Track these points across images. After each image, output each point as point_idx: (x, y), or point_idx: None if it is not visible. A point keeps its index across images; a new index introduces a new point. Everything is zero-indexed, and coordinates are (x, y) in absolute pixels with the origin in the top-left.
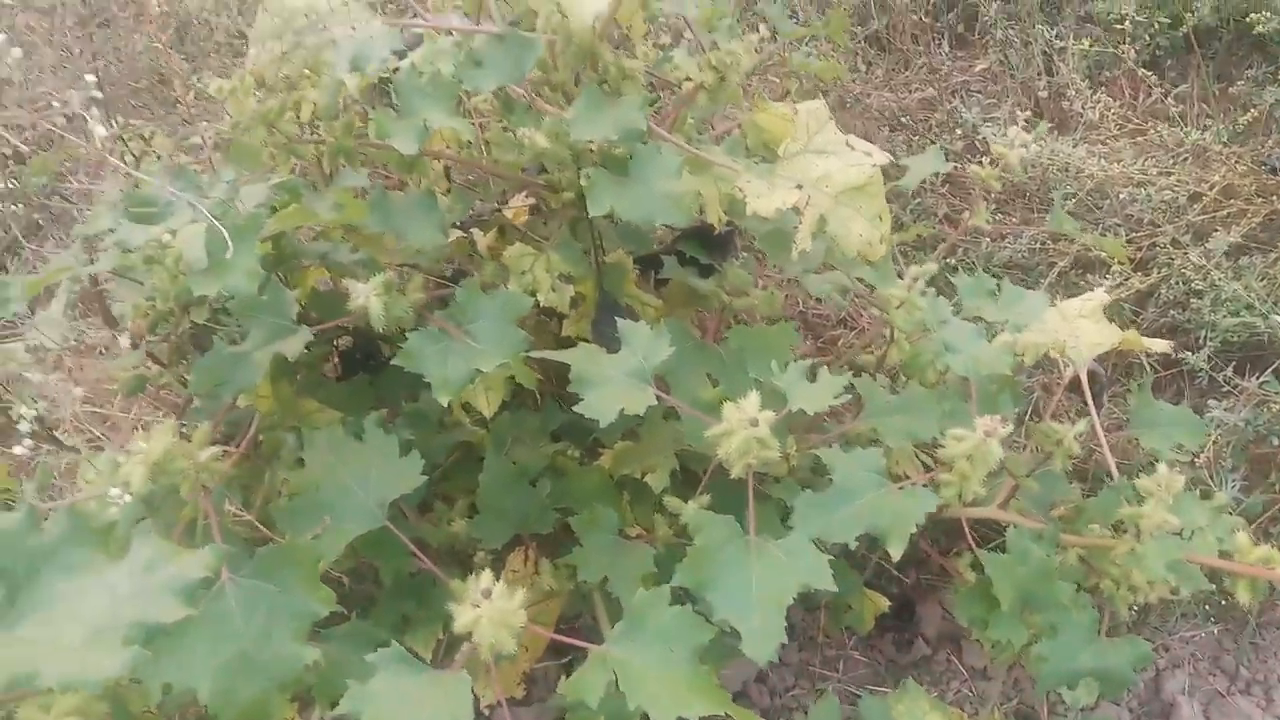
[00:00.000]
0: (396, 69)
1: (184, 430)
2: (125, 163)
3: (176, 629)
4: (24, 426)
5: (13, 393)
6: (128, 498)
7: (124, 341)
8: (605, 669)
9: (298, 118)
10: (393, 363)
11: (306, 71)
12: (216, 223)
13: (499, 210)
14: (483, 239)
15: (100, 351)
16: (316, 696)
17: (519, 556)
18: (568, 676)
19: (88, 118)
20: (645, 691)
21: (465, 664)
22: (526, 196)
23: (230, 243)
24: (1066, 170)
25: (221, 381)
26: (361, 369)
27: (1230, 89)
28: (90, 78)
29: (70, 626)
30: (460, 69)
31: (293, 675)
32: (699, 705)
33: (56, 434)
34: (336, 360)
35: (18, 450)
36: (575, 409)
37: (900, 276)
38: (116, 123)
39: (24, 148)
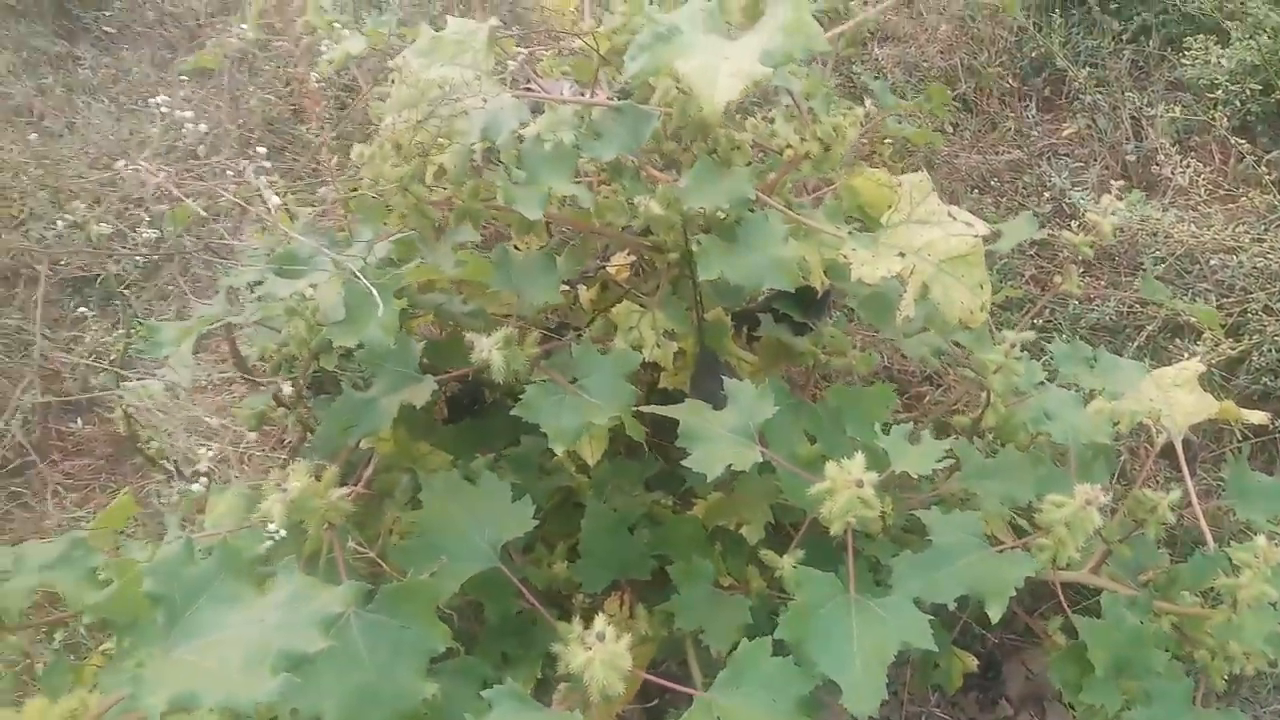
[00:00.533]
0: (520, 137)
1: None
2: (268, 221)
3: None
4: (202, 465)
5: (144, 426)
6: (281, 534)
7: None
8: (710, 714)
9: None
10: (501, 410)
11: (440, 139)
12: (364, 280)
13: (602, 267)
14: (586, 294)
15: (210, 390)
16: None
17: (615, 601)
18: None
19: (261, 186)
20: None
21: (563, 703)
22: (628, 254)
23: (378, 299)
24: (1156, 235)
25: (351, 425)
26: (467, 414)
27: None
28: (261, 149)
29: (225, 653)
30: (581, 139)
31: (412, 707)
32: None
33: (181, 468)
34: (443, 405)
35: (195, 487)
36: (684, 463)
37: (992, 338)
38: (268, 181)
39: (181, 199)
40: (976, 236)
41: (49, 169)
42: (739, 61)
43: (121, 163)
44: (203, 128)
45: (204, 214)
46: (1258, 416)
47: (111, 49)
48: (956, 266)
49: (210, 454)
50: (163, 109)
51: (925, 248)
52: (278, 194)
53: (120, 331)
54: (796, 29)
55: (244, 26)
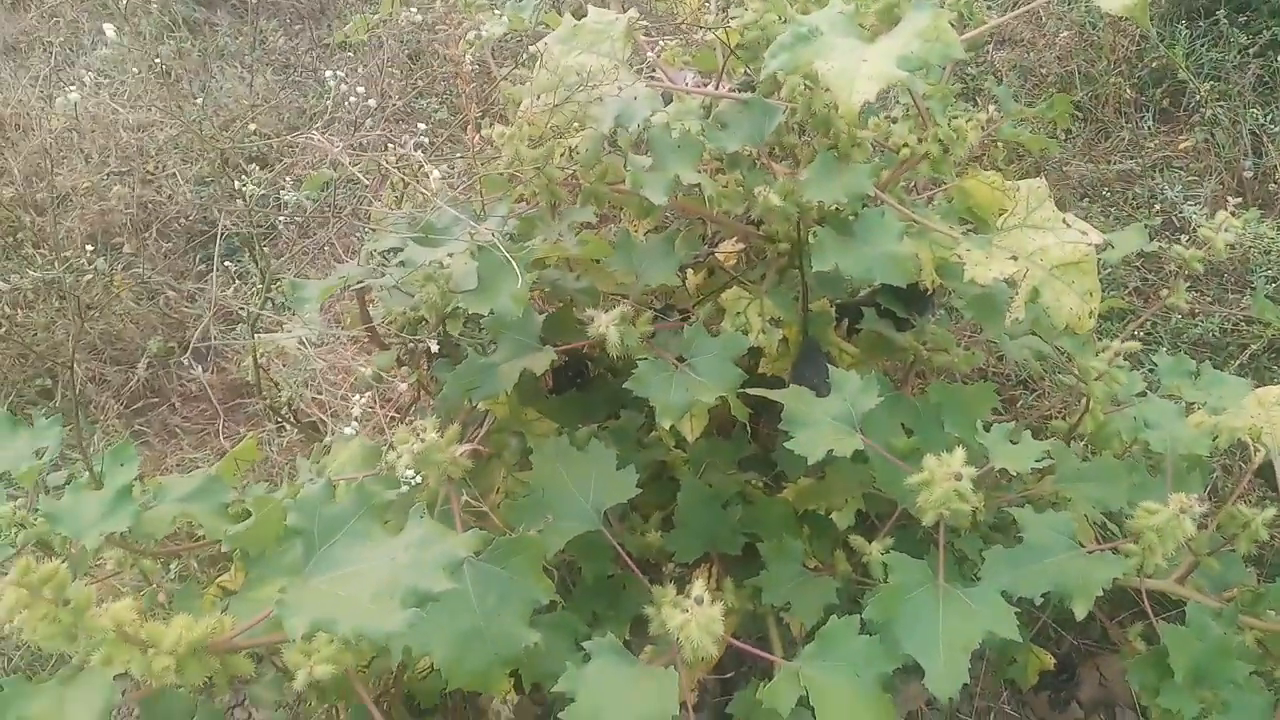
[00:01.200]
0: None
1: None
2: (424, 193)
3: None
4: (355, 411)
5: (273, 379)
6: (416, 479)
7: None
8: (796, 684)
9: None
10: (604, 384)
11: (574, 123)
12: (505, 253)
13: (711, 253)
14: (693, 278)
15: (328, 345)
16: (523, 675)
17: (703, 573)
18: (724, 693)
19: (421, 160)
20: (832, 709)
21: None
22: (736, 242)
23: (518, 270)
24: (1269, 254)
25: (473, 387)
26: (571, 386)
27: None
28: (421, 125)
29: (358, 585)
30: (708, 129)
31: (515, 652)
32: None
33: (298, 417)
34: (549, 376)
35: (347, 430)
36: (786, 445)
37: (1094, 347)
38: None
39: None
40: (1090, 245)
41: (184, 128)
42: (876, 65)
43: (300, 134)
44: (371, 102)
45: (364, 180)
46: None
47: (247, 17)
48: (1068, 273)
49: (362, 401)
50: (331, 82)
51: (1038, 253)
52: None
53: (259, 286)
54: (934, 36)
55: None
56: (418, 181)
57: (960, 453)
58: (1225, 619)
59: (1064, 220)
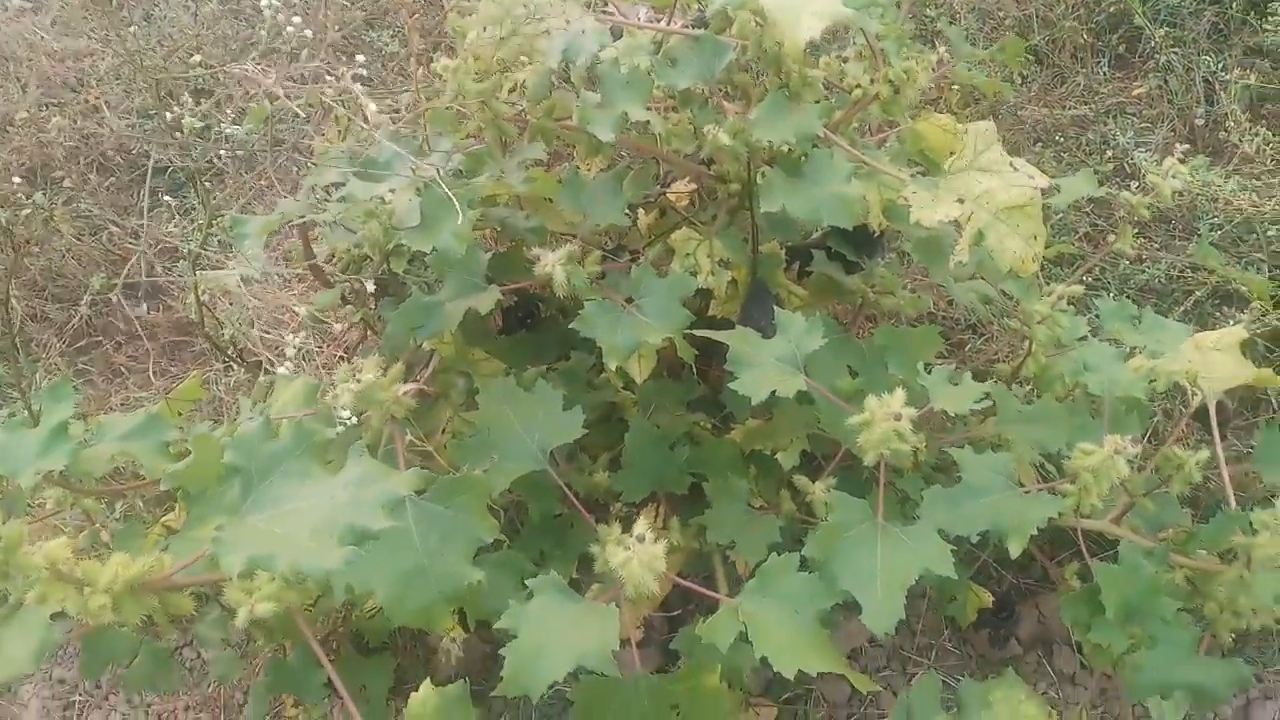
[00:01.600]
0: (598, 60)
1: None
2: (364, 127)
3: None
4: (289, 351)
5: (216, 316)
6: (352, 420)
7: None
8: (736, 620)
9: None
10: (554, 324)
11: (521, 58)
12: (444, 188)
13: (663, 193)
14: (644, 218)
15: (269, 285)
16: (468, 612)
17: (650, 512)
18: (671, 630)
19: (358, 92)
20: (771, 644)
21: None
22: (688, 182)
23: (458, 207)
24: (1215, 201)
25: (418, 326)
26: (520, 326)
27: None
28: (360, 57)
29: (297, 523)
30: (657, 66)
31: (458, 590)
32: (818, 662)
33: (244, 355)
34: (498, 316)
35: (281, 371)
36: (730, 386)
37: (1040, 291)
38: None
39: (283, 100)
40: (1036, 189)
41: (126, 59)
42: (823, 1)
43: (234, 64)
44: (308, 33)
45: (302, 115)
46: None
47: None
48: (1013, 216)
49: (297, 341)
50: (266, 11)
51: (984, 196)
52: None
53: (199, 222)
54: None
55: None
56: (356, 116)
57: (900, 394)
58: (1156, 558)
59: (1011, 164)
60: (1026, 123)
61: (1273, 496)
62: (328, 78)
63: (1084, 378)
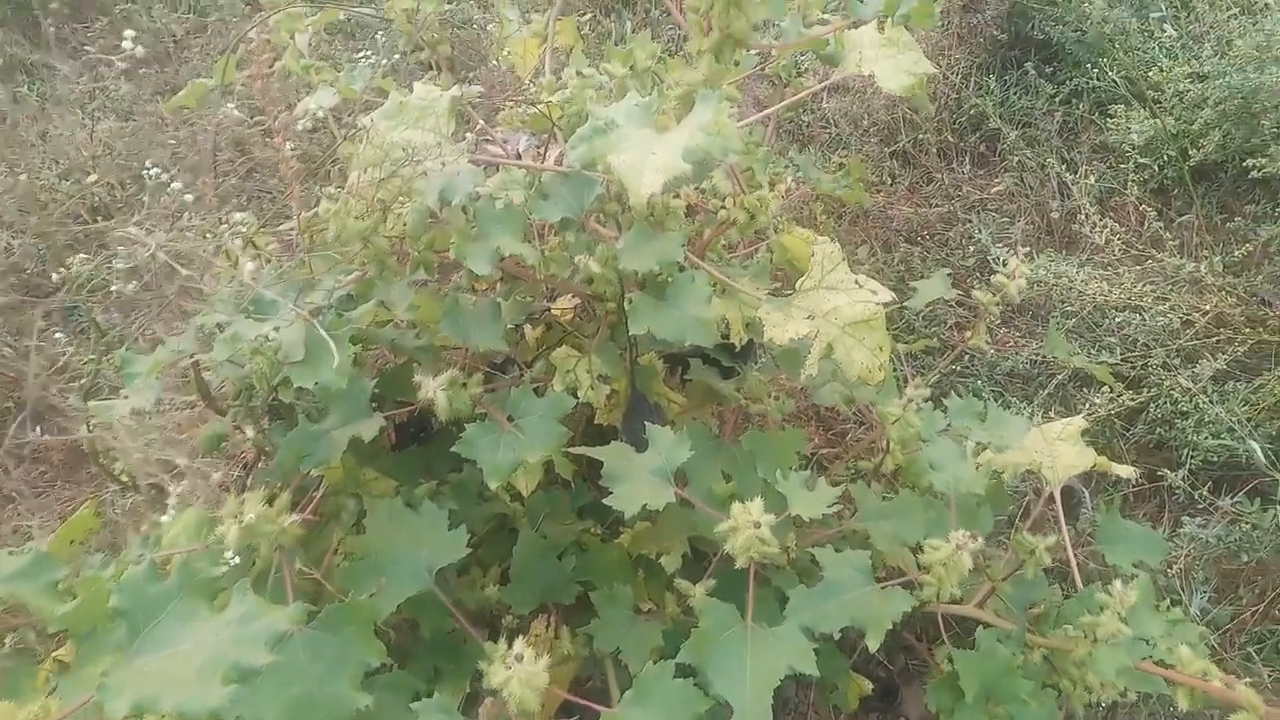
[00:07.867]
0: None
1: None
2: (242, 277)
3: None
4: (171, 500)
5: (107, 450)
6: (236, 560)
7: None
8: None
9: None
10: (447, 437)
11: (400, 197)
12: (321, 329)
13: (548, 309)
14: (531, 332)
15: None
16: None
17: (542, 623)
18: None
19: (238, 252)
20: None
21: (489, 716)
22: (572, 297)
23: (332, 347)
24: (1070, 291)
25: (304, 454)
26: (414, 440)
27: (1229, 222)
28: (239, 215)
29: (182, 664)
30: (530, 200)
31: (346, 716)
32: None
33: (138, 481)
34: (392, 431)
35: (164, 519)
36: (606, 501)
37: (906, 384)
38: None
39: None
40: (878, 304)
41: (21, 179)
42: (663, 158)
43: (118, 227)
44: (189, 197)
45: (184, 271)
46: (1125, 471)
47: (90, 64)
48: (859, 330)
49: (179, 490)
50: (152, 173)
51: (832, 312)
52: (247, 236)
53: (91, 357)
54: (715, 130)
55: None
56: (235, 268)
57: (759, 501)
58: (1013, 640)
59: (856, 280)
60: (895, 222)
61: (1116, 575)
62: (207, 235)
63: (930, 476)
